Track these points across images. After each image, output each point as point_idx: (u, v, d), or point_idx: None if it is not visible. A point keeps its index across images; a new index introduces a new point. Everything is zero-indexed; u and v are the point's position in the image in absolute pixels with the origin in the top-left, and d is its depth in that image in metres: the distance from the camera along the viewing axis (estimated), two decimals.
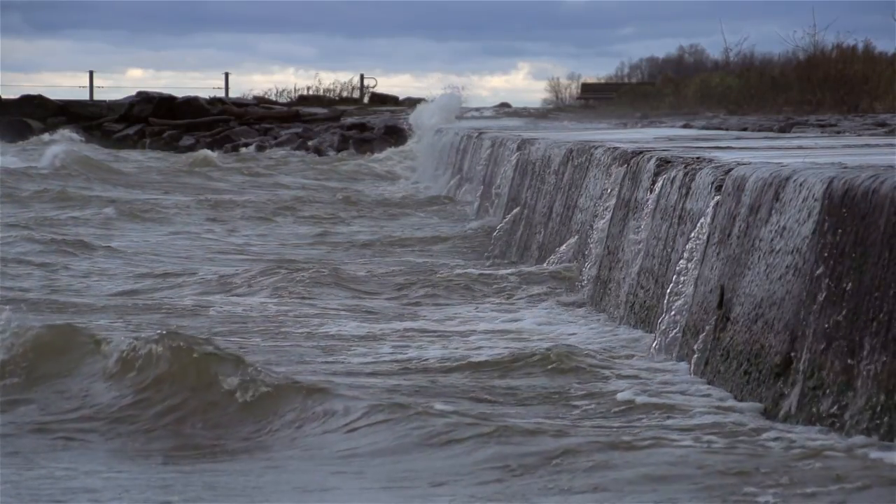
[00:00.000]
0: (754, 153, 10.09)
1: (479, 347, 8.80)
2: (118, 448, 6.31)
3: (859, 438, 5.56)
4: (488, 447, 5.81)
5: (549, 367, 8.05)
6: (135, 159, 35.34)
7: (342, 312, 10.64)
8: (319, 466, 5.94)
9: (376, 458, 5.96)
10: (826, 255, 6.13)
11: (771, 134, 20.07)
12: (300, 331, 9.62)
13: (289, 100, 59.16)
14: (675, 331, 8.18)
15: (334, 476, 5.78)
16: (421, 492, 5.44)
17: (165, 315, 10.31)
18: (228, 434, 6.41)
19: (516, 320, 10.16)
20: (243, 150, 40.53)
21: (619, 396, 7.17)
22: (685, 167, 8.91)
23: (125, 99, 47.06)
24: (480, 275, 12.83)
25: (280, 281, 12.11)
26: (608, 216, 11.05)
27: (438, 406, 6.50)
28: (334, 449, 6.14)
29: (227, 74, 62.26)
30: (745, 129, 23.71)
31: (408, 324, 10.13)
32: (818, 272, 6.17)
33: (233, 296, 11.62)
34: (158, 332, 7.41)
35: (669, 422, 6.54)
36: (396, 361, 8.46)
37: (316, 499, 5.48)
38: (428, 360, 8.43)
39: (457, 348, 8.80)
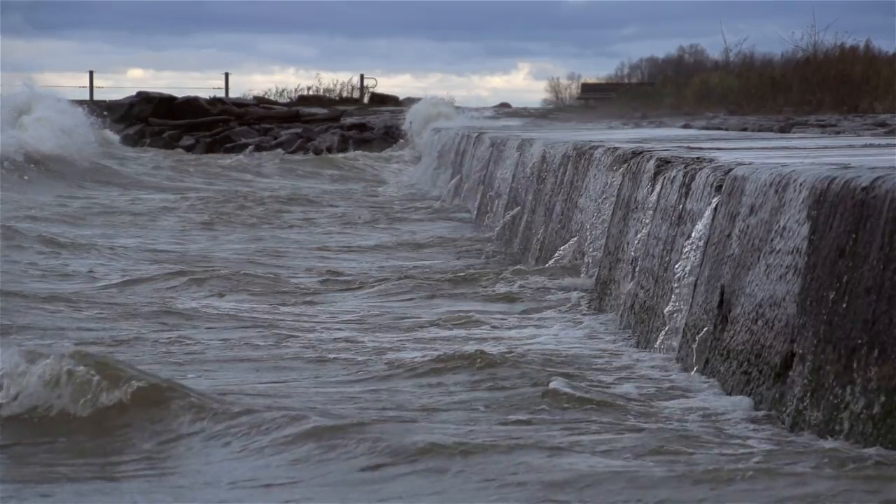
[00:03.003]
0: (754, 153, 10.08)
1: (456, 350, 8.66)
2: None
3: (857, 439, 5.55)
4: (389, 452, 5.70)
5: (541, 369, 8.02)
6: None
7: (325, 315, 10.60)
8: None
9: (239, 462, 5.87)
10: (825, 255, 6.12)
11: (771, 134, 20.06)
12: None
13: (289, 100, 59.18)
14: (674, 331, 8.17)
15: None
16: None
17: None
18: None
19: (511, 325, 10.08)
20: (243, 153, 40.44)
21: (609, 397, 7.16)
22: (685, 167, 8.90)
23: (125, 99, 47.04)
24: (478, 276, 12.82)
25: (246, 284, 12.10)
26: (608, 216, 11.04)
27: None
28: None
29: (227, 74, 62.34)
30: (745, 129, 23.71)
31: (390, 324, 10.06)
32: (817, 272, 6.17)
33: (223, 299, 11.62)
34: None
35: (660, 424, 6.53)
36: (346, 366, 8.30)
37: None
38: (389, 363, 8.25)
39: (432, 351, 8.64)
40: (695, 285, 7.98)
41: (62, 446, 6.16)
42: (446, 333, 9.59)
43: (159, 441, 6.18)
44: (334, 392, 7.42)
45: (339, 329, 9.80)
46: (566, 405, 6.90)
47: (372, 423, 6.17)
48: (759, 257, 6.93)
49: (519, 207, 15.82)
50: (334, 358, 8.50)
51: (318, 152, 40.47)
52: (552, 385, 7.26)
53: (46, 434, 6.29)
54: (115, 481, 5.66)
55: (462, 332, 9.63)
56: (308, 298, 11.61)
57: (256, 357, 8.59)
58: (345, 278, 12.89)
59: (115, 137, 40.85)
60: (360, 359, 8.43)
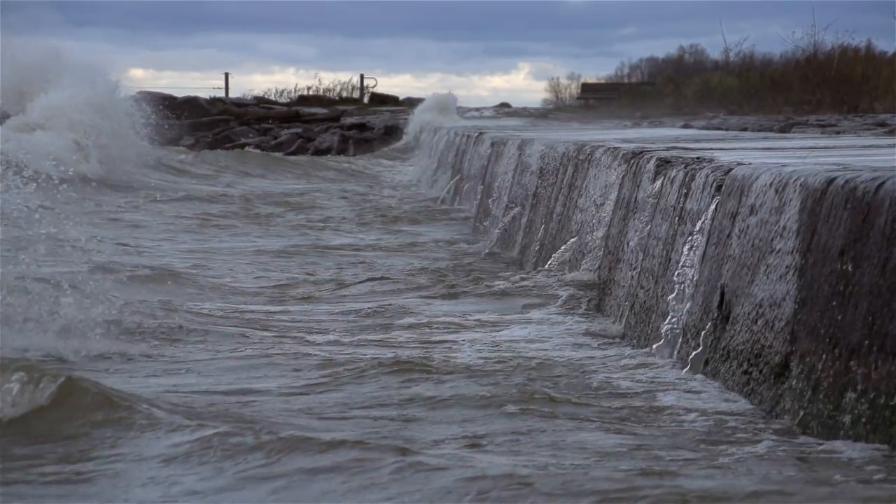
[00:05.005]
0: (754, 153, 10.07)
1: (445, 352, 8.58)
2: None
3: (857, 439, 5.55)
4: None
5: (535, 370, 7.99)
6: None
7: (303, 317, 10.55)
8: None
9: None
10: (825, 255, 6.11)
11: (770, 134, 20.06)
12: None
13: (289, 100, 59.20)
14: (674, 331, 8.16)
15: None
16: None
17: None
18: None
19: (508, 325, 10.01)
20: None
21: (607, 397, 7.15)
22: (685, 167, 8.90)
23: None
24: (477, 276, 12.80)
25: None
26: (608, 216, 11.04)
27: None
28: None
29: (227, 74, 62.29)
30: (745, 130, 23.71)
31: (384, 325, 10.01)
32: (817, 272, 6.16)
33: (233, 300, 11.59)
34: None
35: (659, 424, 6.52)
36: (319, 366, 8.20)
37: None
38: (365, 365, 8.07)
39: (417, 352, 8.57)
40: (695, 285, 7.98)
41: None
42: (441, 335, 9.54)
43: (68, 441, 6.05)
44: (275, 397, 7.27)
45: (326, 331, 9.70)
46: (554, 406, 6.86)
47: (297, 427, 6.05)
48: (759, 257, 6.93)
49: (519, 207, 15.81)
50: (309, 357, 8.38)
51: (318, 152, 40.47)
52: (537, 386, 7.25)
53: None
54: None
55: (457, 333, 9.60)
56: (302, 298, 11.59)
57: (235, 356, 8.50)
58: (341, 279, 12.87)
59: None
60: (336, 358, 8.30)
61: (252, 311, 10.69)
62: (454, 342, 9.13)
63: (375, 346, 9.01)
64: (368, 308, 10.84)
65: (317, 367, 8.04)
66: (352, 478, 5.27)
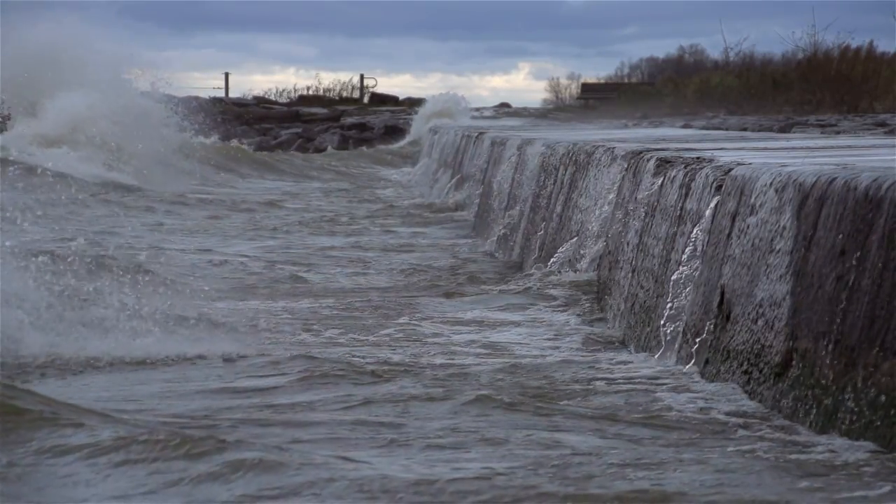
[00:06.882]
0: (754, 153, 10.06)
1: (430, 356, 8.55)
2: None
3: (856, 438, 5.55)
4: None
5: (533, 371, 7.98)
6: None
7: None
8: None
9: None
10: (825, 254, 6.11)
11: (770, 134, 20.05)
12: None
13: (289, 100, 59.20)
14: (674, 331, 8.15)
15: None
16: None
17: None
18: None
19: (506, 326, 9.99)
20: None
21: (608, 396, 7.15)
22: (685, 167, 8.88)
23: None
24: (475, 276, 12.79)
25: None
26: (608, 216, 11.03)
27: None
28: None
29: (227, 74, 62.25)
30: (745, 129, 23.71)
31: (378, 324, 9.97)
32: (817, 272, 6.16)
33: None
34: None
35: (660, 422, 6.51)
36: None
37: None
38: (346, 367, 7.86)
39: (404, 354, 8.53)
40: (695, 285, 7.97)
41: None
42: (437, 335, 9.52)
43: None
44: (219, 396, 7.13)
45: (319, 330, 9.64)
46: (550, 406, 6.84)
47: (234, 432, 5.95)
48: (759, 257, 6.92)
49: (519, 207, 15.80)
50: (295, 356, 8.23)
51: (317, 152, 40.48)
52: (533, 386, 7.23)
53: None
54: None
55: (454, 333, 9.58)
56: (297, 296, 11.57)
57: (223, 355, 8.41)
58: (337, 278, 12.86)
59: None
60: (317, 356, 8.16)
61: (248, 310, 10.67)
62: (450, 342, 9.11)
63: (369, 345, 8.98)
64: (365, 307, 10.84)
65: (300, 366, 7.89)
66: (279, 483, 5.09)
